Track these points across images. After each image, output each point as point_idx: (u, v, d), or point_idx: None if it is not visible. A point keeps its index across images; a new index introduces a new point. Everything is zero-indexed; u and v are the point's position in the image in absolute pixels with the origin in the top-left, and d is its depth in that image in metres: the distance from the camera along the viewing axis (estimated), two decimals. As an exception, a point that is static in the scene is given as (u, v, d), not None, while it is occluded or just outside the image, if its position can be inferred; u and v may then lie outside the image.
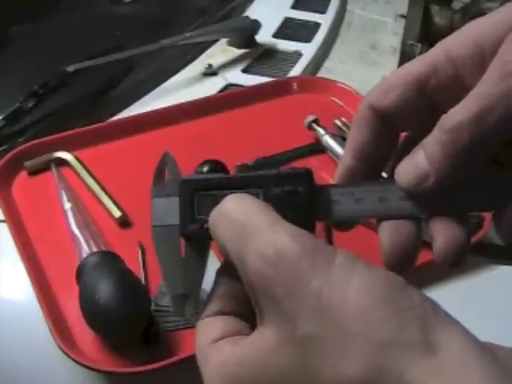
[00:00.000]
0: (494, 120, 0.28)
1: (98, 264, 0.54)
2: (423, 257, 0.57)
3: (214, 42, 0.98)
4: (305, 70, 0.92)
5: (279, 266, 0.27)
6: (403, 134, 0.35)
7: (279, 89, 0.85)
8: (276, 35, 1.01)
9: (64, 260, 0.59)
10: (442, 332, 0.25)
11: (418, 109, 0.32)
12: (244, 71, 0.93)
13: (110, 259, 0.56)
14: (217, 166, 0.64)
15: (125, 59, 0.87)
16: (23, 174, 0.71)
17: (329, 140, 0.74)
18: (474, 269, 0.62)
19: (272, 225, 0.28)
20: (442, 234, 0.30)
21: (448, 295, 0.59)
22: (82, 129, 0.76)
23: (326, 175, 0.63)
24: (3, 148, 0.75)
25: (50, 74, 0.83)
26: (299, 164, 0.70)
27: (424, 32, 1.12)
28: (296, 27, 1.04)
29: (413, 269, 0.56)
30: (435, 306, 0.26)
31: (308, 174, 0.32)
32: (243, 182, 0.32)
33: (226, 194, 0.31)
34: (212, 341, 0.30)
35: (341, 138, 0.73)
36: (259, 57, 0.96)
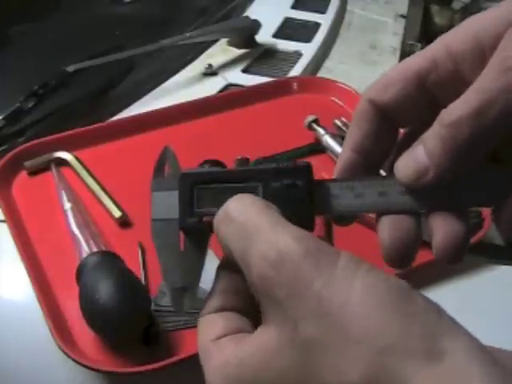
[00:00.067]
0: (494, 115, 0.28)
1: (97, 264, 0.54)
2: (423, 257, 0.57)
3: (214, 41, 0.98)
4: (305, 70, 0.92)
5: (281, 268, 0.27)
6: (403, 131, 0.35)
7: (279, 89, 0.85)
8: (276, 35, 1.01)
9: (64, 260, 0.59)
10: (447, 339, 0.24)
11: (418, 104, 0.32)
12: (244, 71, 0.93)
13: (109, 259, 0.56)
14: (217, 166, 0.64)
15: (125, 59, 0.87)
16: (23, 174, 0.71)
17: (329, 140, 0.74)
18: (474, 269, 0.62)
19: (274, 225, 0.28)
20: (442, 229, 0.30)
21: (448, 295, 0.59)
22: (82, 129, 0.76)
23: (326, 175, 0.62)
24: (3, 148, 0.75)
25: (50, 73, 0.83)
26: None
27: (424, 32, 1.12)
28: (296, 27, 1.04)
29: (413, 269, 0.56)
30: (440, 311, 0.25)
31: (307, 168, 0.32)
32: (243, 176, 0.32)
33: (225, 188, 0.32)
34: (214, 338, 0.30)
35: (341, 138, 0.73)
36: (259, 57, 0.96)
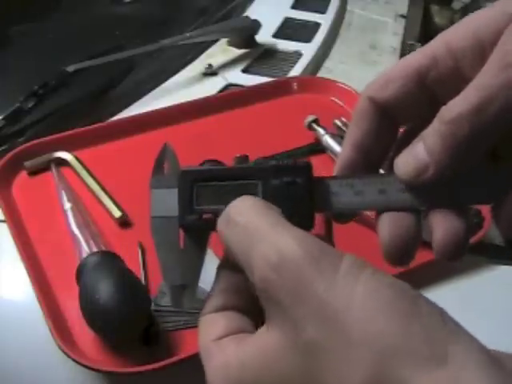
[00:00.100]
0: (494, 111, 0.27)
1: (97, 264, 0.54)
2: (423, 257, 0.57)
3: (214, 41, 0.98)
4: (305, 70, 0.92)
5: (282, 271, 0.26)
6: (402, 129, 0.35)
7: (279, 89, 0.85)
8: (276, 35, 1.01)
9: (64, 260, 0.59)
10: (450, 343, 0.24)
11: (418, 101, 0.32)
12: (244, 71, 0.93)
13: (109, 259, 0.56)
14: (217, 166, 0.65)
15: (125, 59, 0.87)
16: (23, 174, 0.71)
17: (329, 140, 0.74)
18: (474, 269, 0.62)
19: (275, 227, 0.28)
20: (442, 226, 0.30)
21: (448, 295, 0.59)
22: (82, 129, 0.76)
23: (326, 175, 0.63)
24: (3, 148, 0.75)
25: (50, 73, 0.83)
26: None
27: (424, 32, 1.12)
28: (296, 27, 1.04)
29: (413, 269, 0.56)
30: (443, 315, 0.25)
31: (307, 166, 0.32)
32: (242, 174, 0.32)
33: (225, 185, 0.32)
34: (215, 338, 0.30)
35: (341, 138, 0.73)
36: (259, 57, 0.96)
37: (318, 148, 0.74)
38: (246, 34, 0.97)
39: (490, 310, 0.58)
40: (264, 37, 0.99)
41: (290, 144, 0.74)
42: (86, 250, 0.59)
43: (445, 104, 0.29)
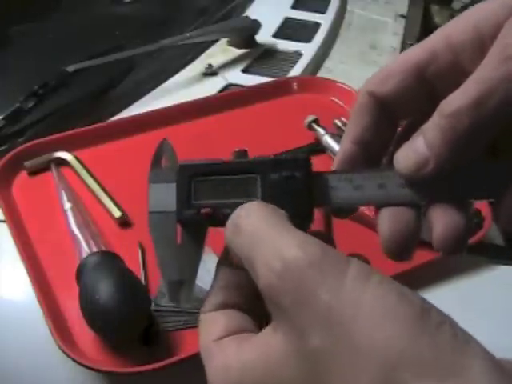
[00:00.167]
0: (494, 104, 0.27)
1: (97, 264, 0.54)
2: (423, 257, 0.57)
3: (214, 41, 0.98)
4: (305, 70, 0.92)
5: (287, 278, 0.26)
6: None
7: (279, 89, 0.85)
8: (276, 35, 1.01)
9: (64, 260, 0.59)
10: (460, 354, 0.23)
11: (418, 95, 0.32)
12: (244, 71, 0.93)
13: (109, 259, 0.56)
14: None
15: (125, 59, 0.87)
16: (23, 174, 0.71)
17: (329, 140, 0.74)
18: (474, 269, 0.62)
19: (279, 233, 0.28)
20: (442, 220, 0.30)
21: (448, 295, 0.59)
22: (82, 129, 0.76)
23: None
24: (3, 148, 0.75)
25: (50, 73, 0.83)
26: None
27: (424, 32, 1.12)
28: (296, 27, 1.04)
29: (413, 269, 0.56)
30: (453, 325, 0.25)
31: (306, 160, 0.32)
32: (241, 168, 0.32)
33: (223, 180, 0.31)
34: (215, 338, 0.29)
35: (340, 138, 0.73)
36: (259, 57, 0.96)
37: (318, 148, 0.74)
38: (246, 34, 0.97)
39: (490, 310, 0.58)
40: (264, 37, 0.99)
41: (290, 144, 0.74)
42: (86, 249, 0.59)
43: (444, 98, 0.29)
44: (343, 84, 0.84)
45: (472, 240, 0.60)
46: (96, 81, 0.88)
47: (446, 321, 0.25)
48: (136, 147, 0.75)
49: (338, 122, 0.76)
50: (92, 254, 0.57)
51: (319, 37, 1.00)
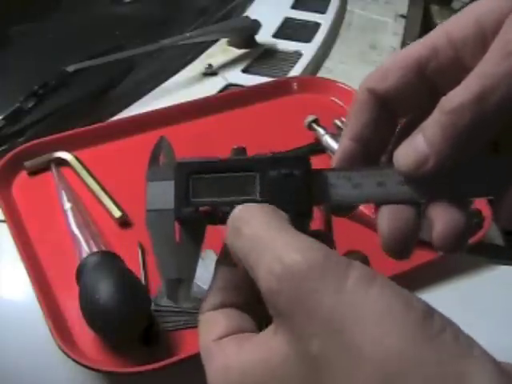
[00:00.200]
0: (496, 100, 0.27)
1: (97, 264, 0.54)
2: (423, 257, 0.57)
3: (214, 41, 0.98)
4: (305, 70, 0.92)
5: (287, 283, 0.26)
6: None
7: (279, 89, 0.85)
8: (276, 35, 1.01)
9: (64, 260, 0.59)
10: (463, 362, 0.23)
11: (418, 92, 0.31)
12: (244, 71, 0.93)
13: (109, 259, 0.56)
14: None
15: (125, 59, 0.87)
16: (23, 174, 0.71)
17: (329, 140, 0.74)
18: (474, 269, 0.62)
19: (279, 236, 0.27)
20: (442, 218, 0.30)
21: (448, 295, 0.59)
22: (82, 129, 0.76)
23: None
24: (3, 148, 0.75)
25: (50, 74, 0.83)
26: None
27: (424, 32, 1.12)
28: (296, 27, 1.04)
29: (413, 269, 0.56)
30: (456, 329, 0.24)
31: (304, 157, 0.31)
32: (239, 165, 0.31)
33: (221, 177, 0.31)
34: (215, 338, 0.29)
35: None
36: (259, 57, 0.96)
37: (318, 148, 0.74)
38: (246, 34, 0.97)
39: (490, 310, 0.58)
40: (264, 37, 0.99)
41: (290, 144, 0.74)
42: (86, 249, 0.59)
43: (445, 95, 0.29)
44: (343, 84, 0.84)
45: (472, 240, 0.60)
46: (96, 81, 0.88)
47: (448, 326, 0.24)
48: (136, 147, 0.75)
49: (337, 122, 0.76)
50: (92, 253, 0.57)
51: (319, 37, 1.00)
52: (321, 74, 0.94)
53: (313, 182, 0.31)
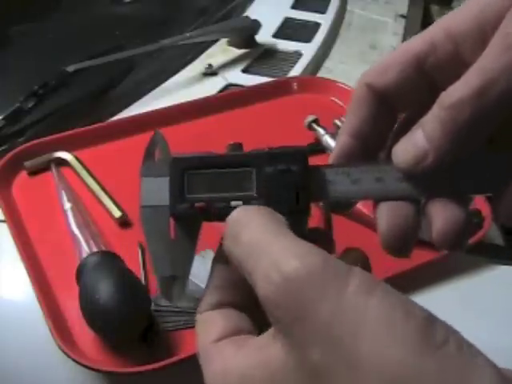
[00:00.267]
0: (496, 94, 0.27)
1: (98, 264, 0.54)
2: (423, 257, 0.57)
3: (214, 41, 0.98)
4: (305, 70, 0.92)
5: (285, 291, 0.25)
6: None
7: (279, 89, 0.85)
8: (276, 35, 1.01)
9: (64, 260, 0.59)
10: (466, 370, 0.23)
11: (417, 87, 0.31)
12: (244, 71, 0.93)
13: (109, 259, 0.56)
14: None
15: (125, 59, 0.87)
16: (23, 174, 0.71)
17: (329, 140, 0.74)
18: (474, 269, 0.62)
19: (277, 242, 0.27)
20: (441, 215, 0.29)
21: (448, 295, 0.59)
22: (82, 129, 0.76)
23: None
24: (3, 148, 0.75)
25: (50, 74, 0.83)
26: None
27: (424, 32, 1.12)
28: (296, 27, 1.04)
29: (413, 269, 0.56)
30: (459, 339, 0.24)
31: (302, 153, 0.31)
32: (235, 161, 0.31)
33: (217, 173, 0.31)
34: (213, 340, 0.29)
35: (341, 138, 0.73)
36: (259, 57, 0.96)
37: (318, 148, 0.74)
38: (246, 34, 0.97)
39: (490, 310, 0.58)
40: (264, 37, 0.99)
41: (290, 144, 0.74)
42: (86, 249, 0.59)
43: (444, 90, 0.28)
44: (343, 84, 0.84)
45: (472, 240, 0.60)
46: (96, 81, 0.88)
47: (451, 335, 0.24)
48: (136, 147, 0.74)
49: (337, 122, 0.76)
50: (92, 253, 0.57)
51: (319, 37, 1.00)
52: (321, 73, 0.94)
53: (310, 177, 0.31)
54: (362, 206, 0.61)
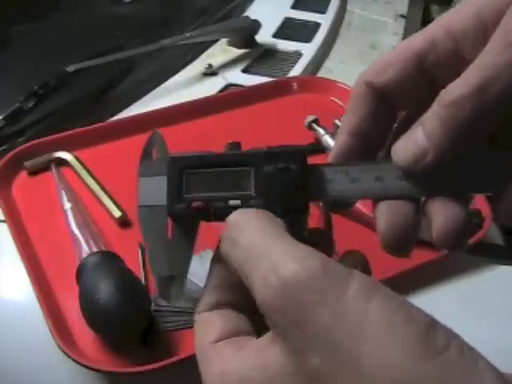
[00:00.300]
0: (497, 91, 0.27)
1: (98, 264, 0.54)
2: (423, 257, 0.57)
3: (214, 41, 0.98)
4: (305, 70, 0.92)
5: (283, 295, 0.25)
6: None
7: (279, 89, 0.85)
8: (276, 35, 1.01)
9: (64, 260, 0.59)
10: (467, 374, 0.23)
11: (417, 85, 0.31)
12: (244, 71, 0.93)
13: (109, 259, 0.56)
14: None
15: (125, 59, 0.87)
16: (23, 174, 0.71)
17: (329, 140, 0.74)
18: (474, 269, 0.62)
19: (275, 246, 0.26)
20: (441, 213, 0.29)
21: (448, 295, 0.59)
22: (82, 129, 0.76)
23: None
24: (3, 148, 0.75)
25: (50, 74, 0.83)
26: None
27: (424, 32, 1.12)
28: (296, 27, 1.04)
29: (413, 269, 0.56)
30: (460, 343, 0.23)
31: (301, 152, 0.31)
32: (234, 160, 0.31)
33: (215, 172, 0.31)
34: (212, 340, 0.29)
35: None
36: (259, 57, 0.96)
37: (318, 148, 0.74)
38: (246, 34, 0.97)
39: (490, 310, 0.58)
40: (264, 37, 0.99)
41: (290, 144, 0.74)
42: (86, 249, 0.59)
43: (444, 88, 0.28)
44: (343, 84, 0.84)
45: (472, 240, 0.60)
46: (96, 81, 0.88)
47: (452, 340, 0.23)
48: (136, 147, 0.73)
49: (337, 122, 0.76)
50: (92, 253, 0.57)
51: (319, 37, 1.00)
52: (321, 74, 0.94)
53: (309, 176, 0.31)
54: (361, 206, 0.61)
